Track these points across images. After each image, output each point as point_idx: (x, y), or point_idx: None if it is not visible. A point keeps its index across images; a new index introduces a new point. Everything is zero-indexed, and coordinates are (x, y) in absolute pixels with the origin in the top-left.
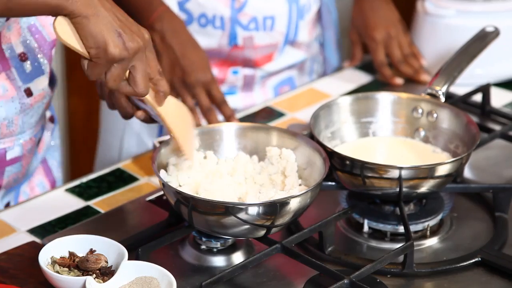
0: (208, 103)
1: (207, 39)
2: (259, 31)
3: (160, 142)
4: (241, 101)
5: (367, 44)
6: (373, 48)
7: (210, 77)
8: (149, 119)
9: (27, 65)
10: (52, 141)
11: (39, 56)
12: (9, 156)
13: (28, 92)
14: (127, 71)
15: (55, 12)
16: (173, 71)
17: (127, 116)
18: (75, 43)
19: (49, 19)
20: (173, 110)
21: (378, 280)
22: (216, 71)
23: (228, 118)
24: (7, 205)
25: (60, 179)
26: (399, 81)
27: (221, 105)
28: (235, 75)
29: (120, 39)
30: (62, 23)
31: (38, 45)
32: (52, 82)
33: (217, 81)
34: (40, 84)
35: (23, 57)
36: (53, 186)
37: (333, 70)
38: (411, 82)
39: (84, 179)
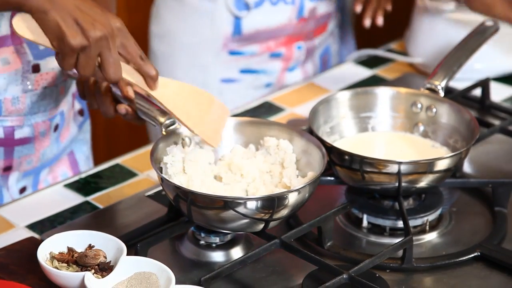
0: None
1: (279, 16)
2: (322, 0)
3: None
4: (299, 76)
5: None
6: None
7: None
8: (132, 116)
9: None
10: (81, 135)
11: None
12: (18, 135)
13: (36, 68)
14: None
15: (16, 8)
16: None
17: (108, 115)
18: (36, 38)
19: None
20: (173, 93)
21: (377, 275)
22: (283, 49)
23: None
24: (23, 190)
25: None
26: (368, 22)
27: None
28: (299, 50)
29: (78, 28)
30: (21, 20)
31: None
32: None
33: None
34: (51, 63)
35: None
36: None
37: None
38: (410, 78)
39: (83, 175)
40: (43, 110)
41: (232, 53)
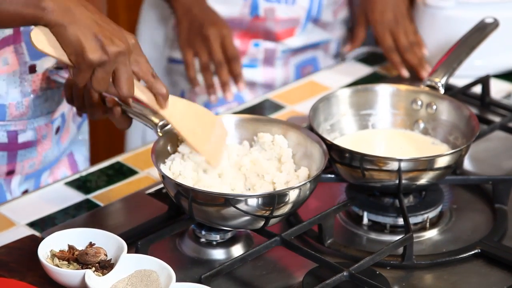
0: (221, 57)
1: (229, 7)
2: (280, 3)
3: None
4: (261, 75)
5: (373, 27)
6: (380, 32)
7: (226, 31)
8: (120, 119)
9: None
10: (80, 136)
11: None
12: (21, 139)
13: (32, 69)
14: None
15: (32, 23)
16: (191, 26)
17: (94, 116)
18: (54, 52)
19: None
20: (180, 112)
21: (377, 272)
22: (238, 42)
23: (235, 77)
24: (25, 193)
25: None
26: (405, 72)
27: (231, 61)
28: (256, 47)
29: (98, 43)
30: (39, 33)
31: None
32: None
33: (232, 37)
34: (47, 63)
35: None
36: None
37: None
38: (410, 75)
39: (84, 173)
40: (45, 113)
41: None
